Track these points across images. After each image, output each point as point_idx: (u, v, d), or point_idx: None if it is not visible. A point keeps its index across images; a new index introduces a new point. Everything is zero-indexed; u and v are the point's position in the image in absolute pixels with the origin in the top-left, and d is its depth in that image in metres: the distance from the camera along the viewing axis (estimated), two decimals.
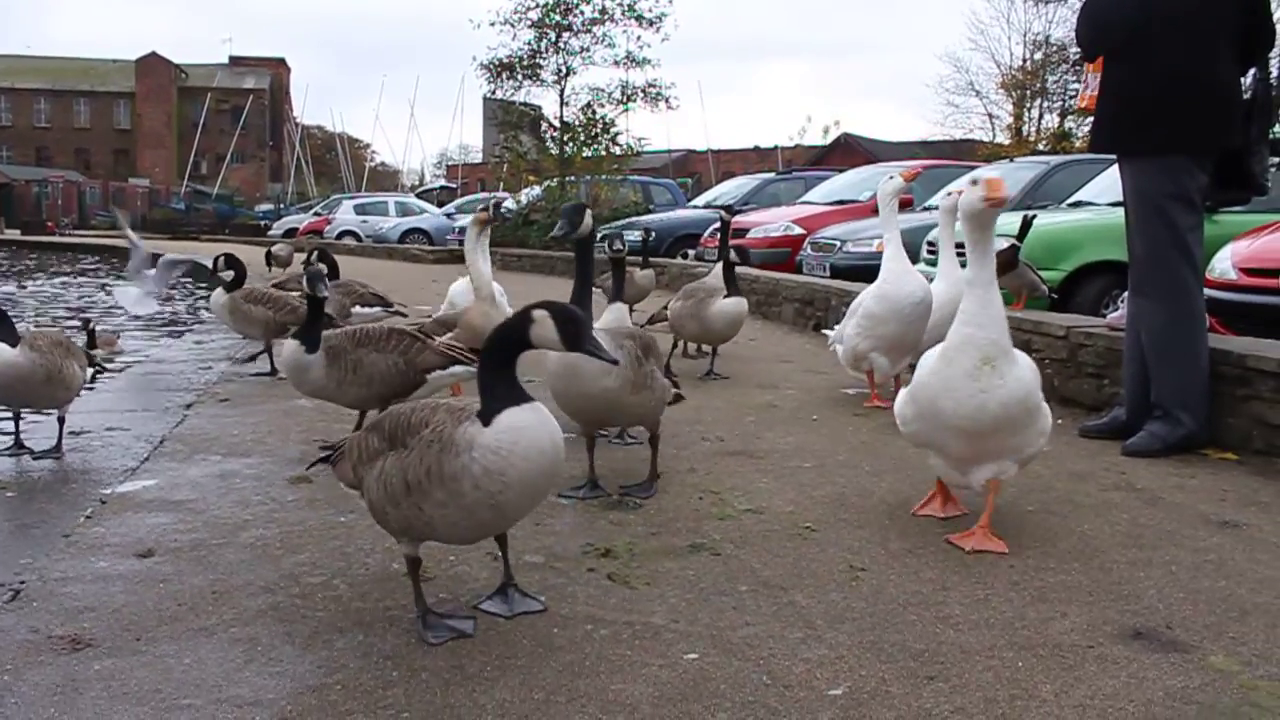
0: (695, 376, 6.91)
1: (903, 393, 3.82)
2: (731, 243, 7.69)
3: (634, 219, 19.51)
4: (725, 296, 6.78)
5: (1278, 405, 4.66)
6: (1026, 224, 8.15)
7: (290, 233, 36.67)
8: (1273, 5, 5.30)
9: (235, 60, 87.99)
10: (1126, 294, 5.24)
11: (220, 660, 2.66)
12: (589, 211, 4.21)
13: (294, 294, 7.38)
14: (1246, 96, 4.91)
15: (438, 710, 2.41)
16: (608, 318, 4.50)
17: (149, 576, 3.24)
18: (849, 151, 45.36)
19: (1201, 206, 4.91)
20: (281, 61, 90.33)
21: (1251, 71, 4.97)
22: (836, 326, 6.39)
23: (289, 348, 4.64)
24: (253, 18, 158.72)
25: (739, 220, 15.59)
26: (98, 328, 8.04)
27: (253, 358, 7.30)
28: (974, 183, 3.49)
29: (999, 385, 3.41)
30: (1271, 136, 5.00)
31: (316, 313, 4.67)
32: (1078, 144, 31.49)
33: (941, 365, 3.52)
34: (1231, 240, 6.93)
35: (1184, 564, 3.40)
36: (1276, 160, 7.61)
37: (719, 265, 8.09)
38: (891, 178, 6.15)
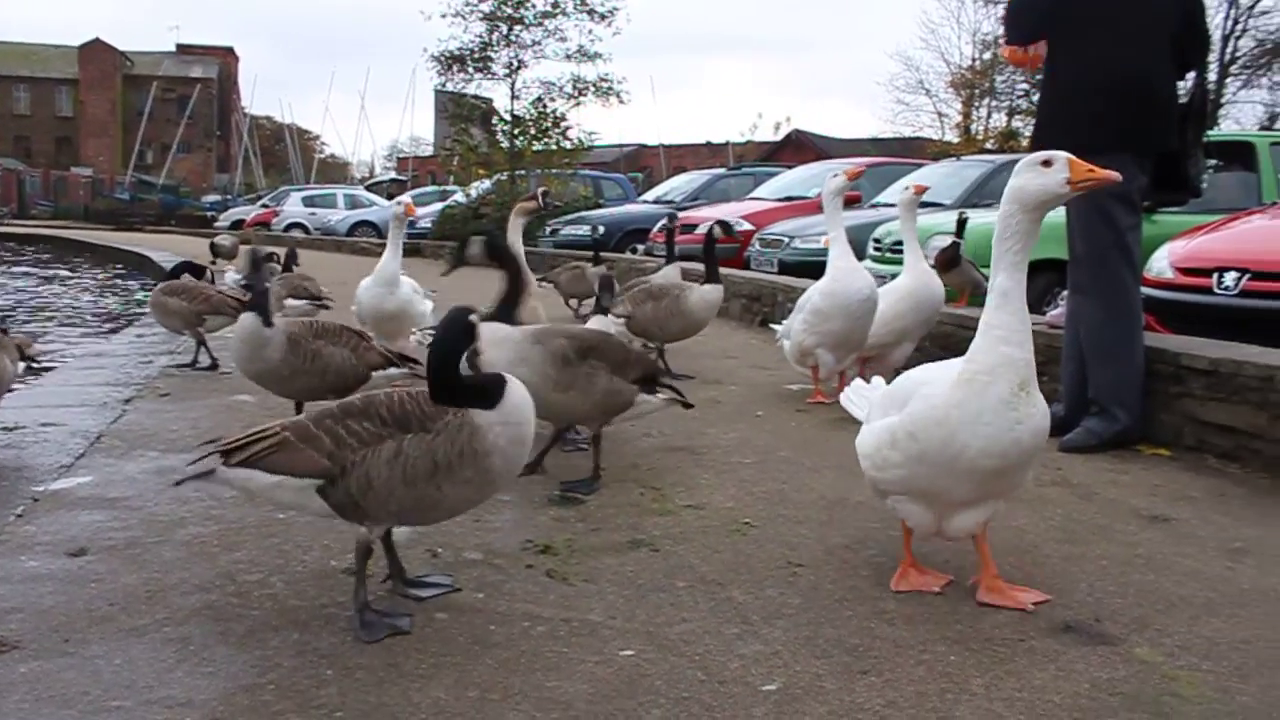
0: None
1: (877, 432, 3.13)
2: (679, 239, 7.73)
3: (584, 214, 19.51)
4: (703, 283, 6.84)
5: (1209, 403, 4.76)
6: (962, 223, 8.23)
7: (237, 224, 36.24)
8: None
9: (182, 48, 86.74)
10: (1066, 292, 5.33)
11: (151, 661, 2.63)
12: (480, 239, 4.22)
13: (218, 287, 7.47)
14: (1183, 101, 5.00)
15: (371, 709, 2.40)
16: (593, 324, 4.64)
17: (80, 576, 3.19)
18: (799, 148, 45.59)
19: (1140, 207, 5.00)
20: (230, 50, 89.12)
21: (1190, 76, 5.07)
22: (785, 321, 6.42)
23: (245, 320, 4.63)
24: (201, 5, 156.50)
25: (689, 215, 15.61)
26: (12, 329, 7.88)
27: (193, 363, 7.19)
28: (1046, 163, 2.88)
29: (1032, 414, 2.88)
30: (1205, 140, 5.09)
31: (264, 293, 4.72)
32: (1024, 143, 31.84)
33: (968, 394, 2.86)
34: (1169, 240, 7.05)
35: (1115, 558, 3.46)
36: (1211, 163, 7.76)
37: (668, 266, 8.14)
38: (835, 175, 6.19)
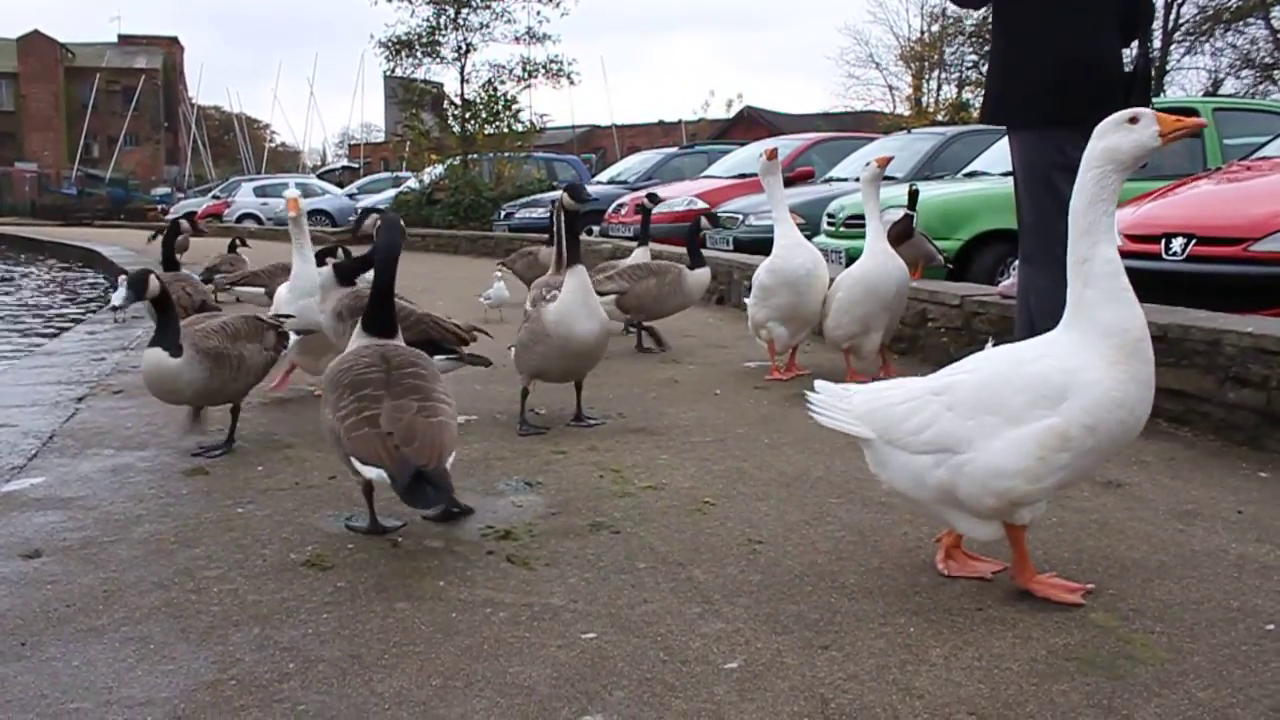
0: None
1: (1032, 443, 2.73)
2: (635, 219, 7.78)
3: (537, 196, 19.44)
4: (693, 268, 7.12)
5: (1159, 367, 4.77)
6: (913, 195, 8.28)
7: (188, 216, 35.77)
8: None
9: (125, 39, 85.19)
10: (1017, 262, 5.38)
11: (110, 661, 2.61)
12: (153, 275, 4.47)
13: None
14: (1128, 70, 5.05)
15: (334, 701, 2.40)
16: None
17: (35, 578, 3.16)
18: (752, 124, 45.65)
19: None
20: (174, 40, 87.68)
21: (1133, 45, 5.12)
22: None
23: (150, 357, 4.37)
24: None
25: (642, 195, 15.57)
26: None
27: None
28: (1133, 120, 2.84)
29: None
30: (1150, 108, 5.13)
31: (168, 315, 4.45)
32: (975, 115, 32.08)
33: (1136, 365, 2.73)
34: (1118, 207, 7.12)
35: (1070, 524, 3.51)
36: None
37: (640, 248, 8.22)
38: (760, 157, 6.28)
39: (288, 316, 5.22)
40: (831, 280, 6.04)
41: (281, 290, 5.71)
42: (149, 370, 4.40)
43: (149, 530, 3.60)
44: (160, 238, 15.98)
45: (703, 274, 7.21)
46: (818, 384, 3.23)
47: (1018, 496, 2.78)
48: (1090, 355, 2.75)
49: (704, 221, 8.14)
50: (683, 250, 11.41)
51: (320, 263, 5.62)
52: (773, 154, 6.27)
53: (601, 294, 6.89)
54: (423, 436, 3.10)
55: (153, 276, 4.50)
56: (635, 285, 7.09)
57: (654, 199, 9.56)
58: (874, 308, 5.81)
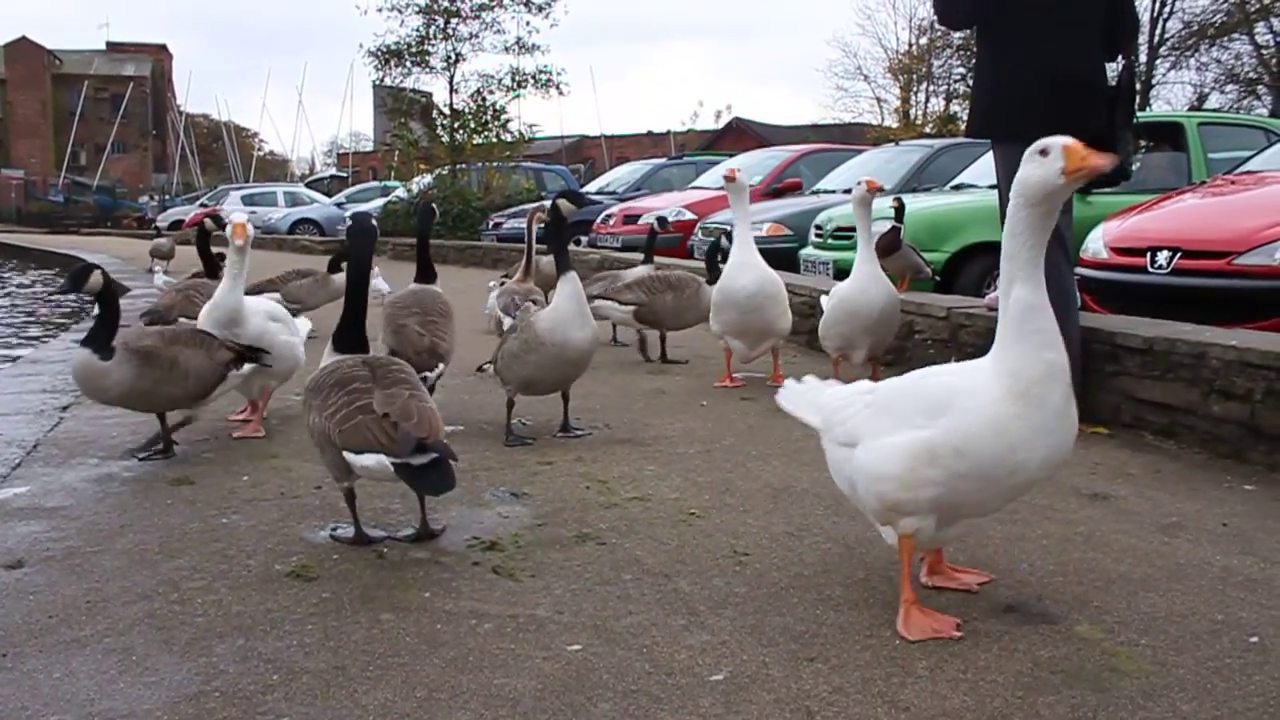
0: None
1: (906, 450, 2.75)
2: (624, 230, 7.77)
3: (525, 206, 19.42)
4: (711, 282, 7.03)
5: (1145, 380, 4.84)
6: (899, 208, 8.28)
7: (176, 225, 35.63)
8: None
9: (113, 46, 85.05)
10: None
11: (92, 672, 2.59)
12: (98, 271, 4.45)
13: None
14: (1112, 83, 5.08)
15: (318, 713, 2.38)
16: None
17: (18, 589, 3.14)
18: (741, 136, 45.81)
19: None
20: (163, 48, 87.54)
21: (1118, 58, 5.15)
22: None
23: (78, 356, 4.33)
24: (130, 1, 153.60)
25: (630, 206, 15.61)
26: None
27: None
28: (1043, 152, 2.65)
29: (1075, 416, 2.77)
30: (1134, 121, 5.17)
31: (107, 313, 4.42)
32: (963, 127, 32.21)
33: (1026, 406, 2.64)
34: (1103, 220, 7.16)
35: (1055, 537, 3.51)
36: (1145, 145, 7.88)
37: (643, 266, 8.22)
38: (739, 172, 6.36)
39: (264, 352, 4.94)
40: (825, 293, 6.12)
41: (202, 312, 5.30)
42: (75, 369, 4.38)
43: (133, 540, 3.58)
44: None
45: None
46: (806, 378, 3.33)
47: (892, 502, 2.79)
48: (988, 383, 2.71)
49: (655, 226, 8.12)
50: (666, 260, 11.48)
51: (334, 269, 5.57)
52: (732, 175, 6.31)
53: (621, 304, 7.09)
54: (419, 413, 3.14)
55: (97, 271, 4.47)
56: (653, 299, 7.13)
57: (663, 223, 9.51)
58: (853, 329, 5.88)
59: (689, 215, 13.97)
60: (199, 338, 4.72)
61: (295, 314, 5.99)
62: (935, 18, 5.45)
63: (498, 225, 19.18)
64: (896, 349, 6.63)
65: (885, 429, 2.82)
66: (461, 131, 23.17)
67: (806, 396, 3.23)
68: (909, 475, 2.73)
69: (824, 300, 6.18)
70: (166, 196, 56.18)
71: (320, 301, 8.70)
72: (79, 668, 2.62)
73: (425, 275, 5.60)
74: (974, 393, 2.70)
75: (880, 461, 2.79)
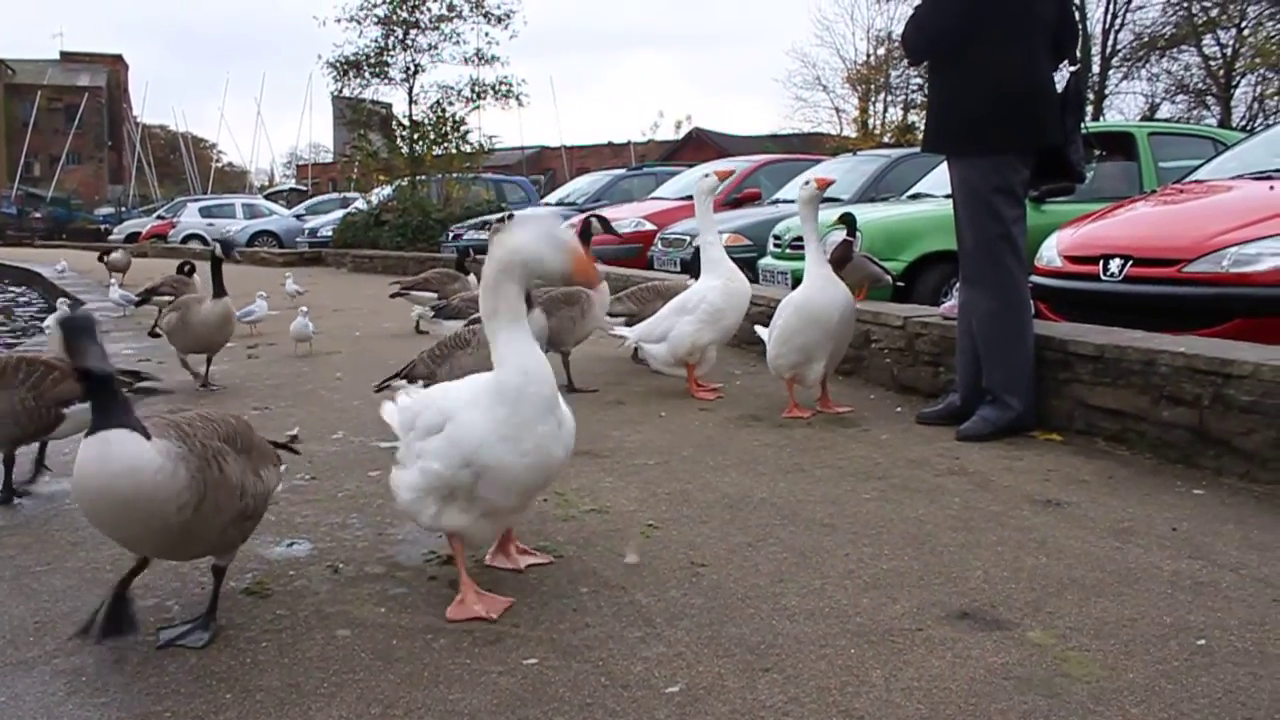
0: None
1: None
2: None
3: (486, 218, 19.38)
4: None
5: (1096, 387, 4.90)
6: (846, 220, 8.18)
7: (133, 237, 35.27)
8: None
9: (67, 56, 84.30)
10: (959, 283, 5.44)
11: (40, 695, 2.55)
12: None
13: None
14: (1060, 91, 5.14)
15: None
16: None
17: None
18: (701, 146, 46.01)
19: (1024, 199, 5.13)
20: (119, 58, 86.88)
21: (1064, 67, 5.22)
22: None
23: None
24: (84, 11, 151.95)
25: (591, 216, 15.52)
26: None
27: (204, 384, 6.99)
28: (807, 183, 2.96)
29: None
30: (1084, 128, 5.24)
31: None
32: (919, 137, 32.48)
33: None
34: (1057, 229, 7.25)
35: (1009, 544, 3.54)
36: (1097, 152, 7.97)
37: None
38: (707, 176, 6.29)
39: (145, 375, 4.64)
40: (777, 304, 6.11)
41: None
42: None
43: (84, 559, 3.53)
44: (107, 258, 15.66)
45: None
46: (410, 388, 3.57)
47: (402, 506, 3.11)
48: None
49: (595, 224, 8.12)
50: (625, 271, 11.48)
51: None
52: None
53: (612, 315, 7.14)
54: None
55: None
56: (644, 308, 7.15)
57: (603, 221, 9.45)
58: (816, 335, 5.53)
59: (649, 226, 13.97)
60: (23, 372, 4.11)
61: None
62: (904, 48, 5.47)
63: (458, 236, 19.11)
64: (854, 359, 6.67)
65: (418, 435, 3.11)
66: (421, 143, 23.08)
67: (401, 401, 3.37)
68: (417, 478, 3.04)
69: (774, 318, 5.79)
70: (123, 209, 55.58)
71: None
72: (25, 690, 2.58)
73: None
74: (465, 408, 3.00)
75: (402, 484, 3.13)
